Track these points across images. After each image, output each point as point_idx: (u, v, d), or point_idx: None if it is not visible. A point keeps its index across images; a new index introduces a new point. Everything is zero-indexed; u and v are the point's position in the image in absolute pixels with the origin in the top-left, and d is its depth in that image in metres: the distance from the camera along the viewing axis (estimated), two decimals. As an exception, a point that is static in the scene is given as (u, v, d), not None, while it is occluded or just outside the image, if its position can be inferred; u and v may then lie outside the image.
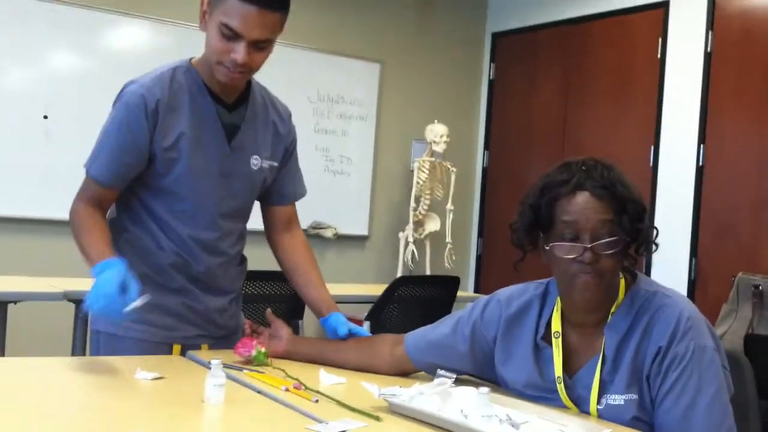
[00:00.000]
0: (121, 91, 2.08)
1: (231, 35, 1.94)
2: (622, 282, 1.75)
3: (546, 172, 1.74)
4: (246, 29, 1.93)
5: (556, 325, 1.78)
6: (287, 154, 2.27)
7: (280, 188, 2.29)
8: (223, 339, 2.21)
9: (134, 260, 2.05)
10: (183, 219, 2.10)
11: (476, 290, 6.39)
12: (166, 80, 2.05)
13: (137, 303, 1.83)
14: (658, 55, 5.35)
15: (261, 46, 1.98)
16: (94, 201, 2.08)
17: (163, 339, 2.13)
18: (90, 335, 2.20)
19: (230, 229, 2.19)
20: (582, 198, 1.67)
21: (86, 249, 2.03)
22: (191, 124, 2.06)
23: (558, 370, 1.75)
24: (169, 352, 2.14)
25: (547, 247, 1.71)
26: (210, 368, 1.63)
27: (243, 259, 2.33)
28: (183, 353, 2.12)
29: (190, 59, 2.14)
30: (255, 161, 2.17)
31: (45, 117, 4.90)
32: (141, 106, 2.01)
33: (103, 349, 2.13)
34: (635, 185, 1.73)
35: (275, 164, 2.22)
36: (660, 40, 5.35)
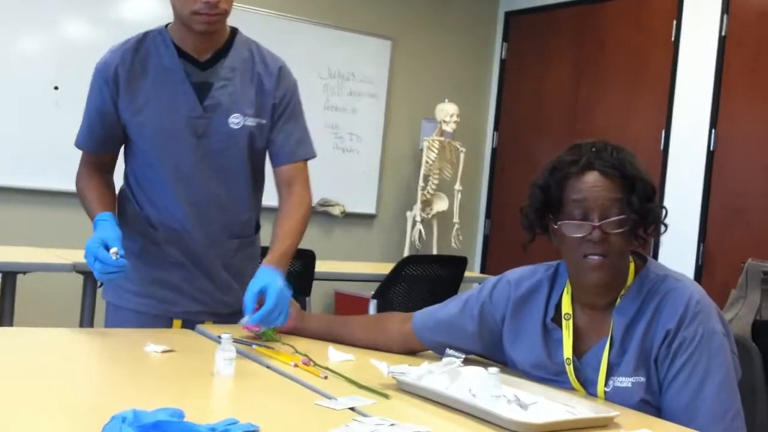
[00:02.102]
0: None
1: None
2: (632, 266, 1.75)
3: (557, 155, 1.75)
4: None
5: (567, 307, 1.78)
6: (278, 110, 2.15)
7: (275, 148, 2.17)
8: (230, 316, 2.16)
9: (134, 234, 2.12)
10: (167, 185, 2.09)
11: (482, 271, 6.40)
12: (131, 46, 2.08)
13: (113, 250, 1.89)
14: (672, 38, 5.32)
15: None
16: (90, 165, 2.18)
17: (163, 312, 2.14)
18: (105, 307, 2.25)
19: (218, 194, 2.12)
20: (591, 177, 1.68)
21: (86, 209, 2.12)
22: (158, 87, 2.06)
23: (567, 351, 1.75)
24: (170, 326, 2.15)
25: (556, 226, 1.71)
26: (220, 342, 1.64)
27: (251, 235, 2.27)
28: (184, 327, 2.14)
29: (166, 24, 2.13)
30: (235, 119, 2.09)
31: (56, 88, 4.90)
32: (103, 74, 2.07)
33: (110, 319, 2.18)
34: (645, 167, 1.73)
35: (263, 121, 2.13)
36: (674, 22, 5.32)
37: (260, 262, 2.06)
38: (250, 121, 2.12)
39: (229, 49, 2.12)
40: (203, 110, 2.07)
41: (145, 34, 2.11)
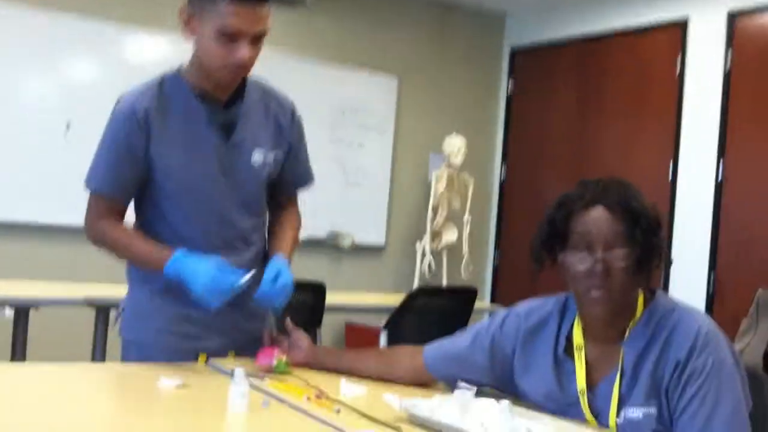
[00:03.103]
0: (115, 105, 2.12)
1: (231, 36, 1.97)
2: (641, 298, 1.76)
3: (566, 191, 1.79)
4: (246, 27, 1.97)
5: (578, 339, 1.79)
6: (293, 145, 2.25)
7: (286, 178, 2.27)
8: (252, 344, 2.15)
9: (157, 274, 2.08)
10: (194, 222, 2.11)
11: (493, 301, 6.40)
12: (154, 89, 2.09)
13: (248, 276, 1.97)
14: (677, 73, 5.36)
15: (258, 41, 2.01)
16: (108, 214, 2.12)
17: (190, 348, 2.14)
18: (121, 344, 2.21)
19: (244, 226, 2.18)
20: (596, 212, 1.72)
21: (142, 256, 2.09)
22: (184, 128, 2.08)
23: (581, 383, 1.76)
24: (195, 360, 2.14)
25: (562, 258, 1.74)
26: (233, 377, 1.65)
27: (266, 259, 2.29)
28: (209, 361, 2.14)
29: (178, 68, 2.16)
30: (258, 155, 2.15)
31: (67, 127, 4.96)
32: (133, 117, 2.04)
33: (135, 357, 2.14)
34: (652, 203, 1.75)
35: (279, 156, 2.21)
36: (679, 57, 5.36)
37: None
38: (270, 156, 2.18)
39: (244, 88, 2.16)
40: (228, 148, 2.12)
41: (162, 78, 2.14)
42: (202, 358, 2.14)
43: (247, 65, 2.03)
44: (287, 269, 2.08)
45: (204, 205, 2.12)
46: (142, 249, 2.09)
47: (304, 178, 2.33)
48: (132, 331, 2.18)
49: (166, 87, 2.11)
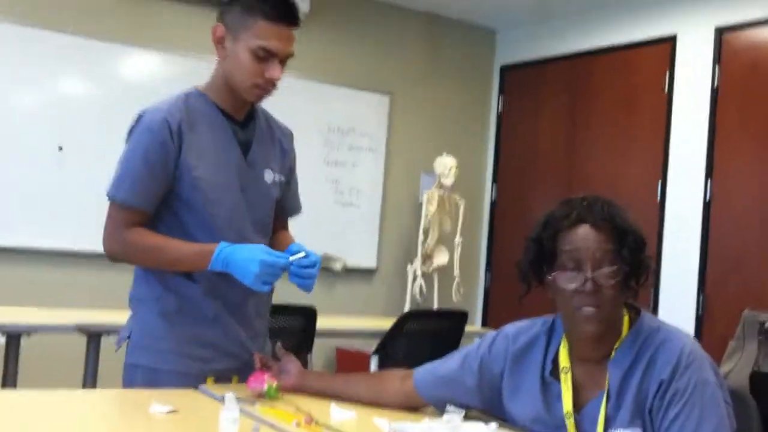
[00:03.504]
0: (137, 120, 2.13)
1: (266, 56, 2.08)
2: (626, 318, 1.78)
3: (550, 210, 1.80)
4: (281, 47, 2.09)
5: (564, 361, 1.81)
6: (291, 172, 2.37)
7: (284, 203, 2.36)
8: (252, 367, 2.17)
9: (169, 295, 2.13)
10: (213, 236, 2.12)
11: (484, 324, 6.40)
12: (181, 104, 2.14)
13: (297, 256, 2.05)
14: (665, 90, 5.41)
15: (285, 63, 2.13)
16: (132, 226, 2.11)
17: (199, 371, 2.15)
18: (124, 369, 2.19)
19: (257, 243, 2.18)
20: (583, 230, 1.74)
21: (183, 255, 2.09)
22: (211, 142, 2.15)
23: (567, 405, 1.78)
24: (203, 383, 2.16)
25: (550, 277, 1.75)
26: (223, 402, 1.66)
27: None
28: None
29: (195, 87, 2.22)
30: (268, 175, 2.25)
31: (60, 149, 4.97)
32: (165, 129, 2.08)
33: (141, 382, 2.13)
34: (635, 220, 1.78)
35: (283, 179, 2.31)
36: (667, 74, 5.41)
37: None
38: (277, 177, 2.28)
39: (255, 111, 2.26)
40: (246, 165, 2.20)
41: (186, 95, 2.18)
42: (210, 381, 2.15)
43: (275, 84, 2.14)
44: (314, 253, 2.12)
45: (224, 222, 2.15)
46: (182, 248, 2.09)
47: (296, 206, 2.43)
48: (139, 356, 2.16)
49: (192, 102, 2.17)
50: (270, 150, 2.27)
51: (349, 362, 5.60)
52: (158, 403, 1.83)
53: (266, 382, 2.01)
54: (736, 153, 5.01)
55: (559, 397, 1.80)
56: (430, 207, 5.94)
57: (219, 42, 2.13)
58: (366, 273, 6.13)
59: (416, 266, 5.99)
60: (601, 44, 5.87)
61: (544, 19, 6.24)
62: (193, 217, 2.13)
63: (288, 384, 2.09)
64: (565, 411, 1.78)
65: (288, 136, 2.36)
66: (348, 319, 4.97)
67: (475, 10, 6.27)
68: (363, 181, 6.10)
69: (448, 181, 5.91)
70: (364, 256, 6.10)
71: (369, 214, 6.12)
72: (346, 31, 6.04)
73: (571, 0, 5.81)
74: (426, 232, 5.97)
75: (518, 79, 6.57)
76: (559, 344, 1.84)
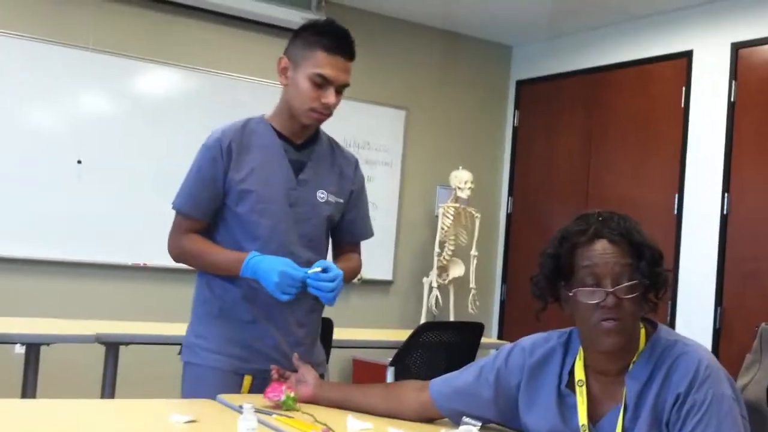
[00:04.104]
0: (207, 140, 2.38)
1: (322, 83, 2.29)
2: (643, 332, 1.79)
3: (564, 225, 1.81)
4: (337, 76, 2.31)
5: (580, 374, 1.82)
6: (354, 195, 2.51)
7: (347, 227, 2.53)
8: (289, 369, 2.25)
9: (212, 299, 2.34)
10: (258, 245, 2.29)
11: (500, 336, 6.40)
12: (239, 126, 2.37)
13: (315, 269, 2.19)
14: (682, 104, 5.41)
15: (341, 91, 2.34)
16: (187, 232, 2.36)
17: (237, 369, 2.32)
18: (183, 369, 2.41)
19: (303, 257, 2.34)
20: (600, 245, 1.74)
21: (220, 261, 2.31)
22: (261, 160, 2.35)
23: (582, 418, 1.78)
24: (241, 382, 2.31)
25: (571, 293, 1.76)
26: (242, 412, 1.68)
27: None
28: (254, 386, 2.29)
29: (262, 115, 2.43)
30: (321, 194, 2.41)
31: (78, 162, 5.02)
32: (217, 146, 2.31)
33: (187, 377, 2.37)
34: (649, 234, 1.79)
35: (341, 201, 2.46)
36: (684, 89, 5.41)
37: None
38: (332, 198, 2.43)
39: (317, 137, 2.46)
40: (297, 183, 2.37)
41: (248, 119, 2.40)
42: (247, 380, 2.31)
43: (331, 109, 2.34)
44: (337, 268, 2.26)
45: (268, 231, 2.32)
46: (220, 254, 2.31)
47: (363, 230, 2.60)
48: (189, 354, 2.38)
49: (251, 124, 2.38)
50: (327, 172, 2.44)
51: (365, 373, 5.61)
52: (177, 413, 1.85)
53: (284, 392, 2.03)
54: (753, 167, 5.00)
55: (575, 409, 1.80)
56: (446, 220, 5.95)
57: (283, 72, 2.35)
58: (382, 285, 6.14)
59: (432, 278, 6.00)
60: (616, 60, 5.88)
61: (560, 34, 6.26)
62: (240, 227, 2.33)
63: (305, 394, 2.10)
64: (580, 423, 1.79)
65: (351, 162, 2.53)
66: (364, 331, 4.98)
67: (490, 26, 6.29)
68: (379, 194, 6.12)
69: (464, 194, 5.93)
70: (381, 269, 6.12)
71: (385, 228, 6.14)
72: (362, 47, 5.95)
73: (585, 16, 5.82)
74: (442, 245, 5.98)
75: (533, 94, 6.59)
76: (576, 357, 1.84)
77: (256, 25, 5.48)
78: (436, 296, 5.97)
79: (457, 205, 5.98)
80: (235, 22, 5.41)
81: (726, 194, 5.10)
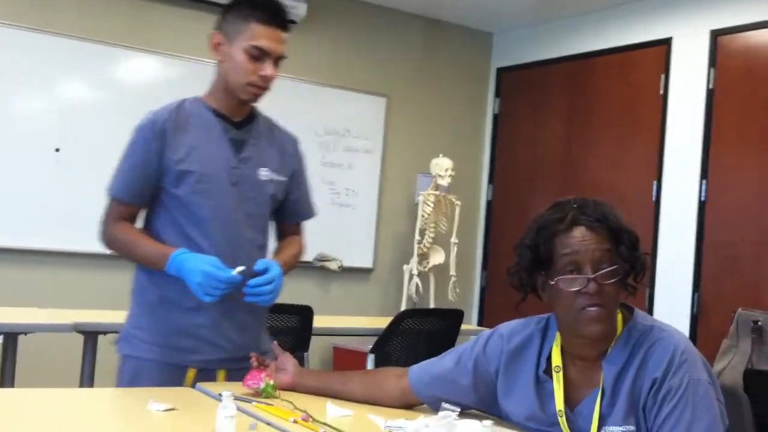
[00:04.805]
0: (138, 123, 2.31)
1: (259, 55, 2.24)
2: (620, 317, 1.80)
3: (539, 214, 1.81)
4: (273, 47, 2.26)
5: (557, 360, 1.83)
6: (297, 174, 2.47)
7: (291, 207, 2.48)
8: (245, 361, 2.21)
9: (151, 287, 2.26)
10: (201, 228, 2.25)
11: (480, 323, 6.42)
12: (173, 107, 2.31)
13: (238, 270, 2.12)
14: (661, 91, 5.43)
15: (278, 63, 2.28)
16: (121, 218, 2.30)
17: (180, 361, 2.25)
18: (118, 362, 2.32)
19: (248, 237, 2.32)
20: (579, 232, 1.75)
21: (148, 254, 2.25)
22: (200, 140, 2.29)
23: (559, 403, 1.80)
24: (184, 375, 2.23)
25: (552, 282, 1.76)
26: (221, 400, 1.67)
27: None
28: (198, 377, 2.22)
29: (196, 96, 2.37)
30: (264, 172, 2.35)
31: (57, 150, 4.98)
32: (150, 128, 2.26)
33: (128, 372, 2.27)
34: (625, 217, 1.80)
35: (283, 179, 2.40)
36: (663, 76, 5.43)
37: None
38: (274, 176, 2.38)
39: (255, 115, 2.40)
40: (238, 161, 2.32)
41: (183, 100, 2.34)
42: (191, 372, 2.23)
43: (269, 82, 2.28)
44: (277, 267, 2.23)
45: (211, 212, 2.26)
46: (148, 247, 2.25)
47: (307, 210, 2.55)
48: (127, 347, 2.30)
49: (186, 105, 2.33)
50: (268, 150, 2.38)
51: (346, 361, 5.61)
52: (156, 401, 1.85)
53: (263, 380, 2.02)
54: (731, 154, 5.04)
55: (552, 395, 1.81)
56: (426, 208, 5.96)
57: (216, 48, 2.30)
58: (363, 272, 6.14)
59: (413, 266, 6.01)
60: (596, 47, 5.88)
61: (540, 21, 6.25)
62: (182, 210, 2.27)
63: (284, 382, 2.10)
64: (557, 409, 1.80)
65: (292, 141, 2.48)
66: (345, 318, 4.98)
67: (471, 13, 6.28)
68: (359, 182, 6.12)
69: (445, 182, 5.93)
70: (361, 257, 6.11)
71: (365, 215, 6.14)
72: (342, 34, 6.05)
73: (565, 3, 5.82)
74: (422, 233, 5.99)
75: (514, 81, 6.59)
76: (553, 343, 1.85)
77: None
78: (417, 284, 5.98)
79: (438, 192, 5.98)
80: (218, 10, 5.34)
81: (704, 181, 5.13)
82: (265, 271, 2.21)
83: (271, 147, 2.40)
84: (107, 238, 2.31)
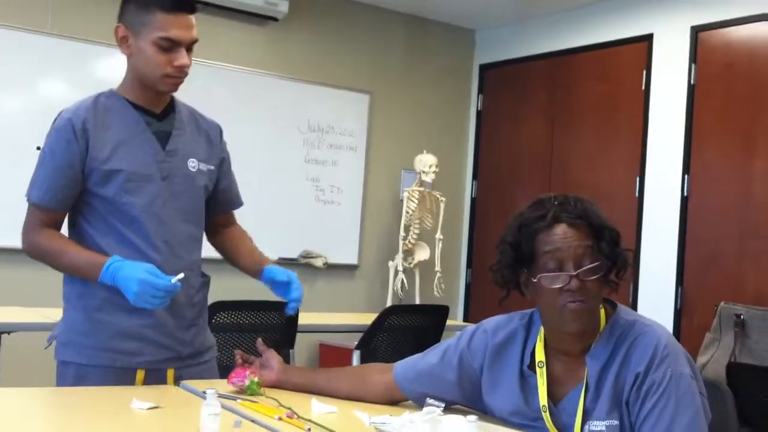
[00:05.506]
0: (52, 123, 2.19)
1: (170, 46, 2.12)
2: (603, 312, 1.81)
3: (520, 212, 1.82)
4: (184, 35, 2.14)
5: (540, 355, 1.83)
6: (224, 163, 2.39)
7: (222, 197, 2.41)
8: (192, 358, 2.20)
9: (90, 291, 2.13)
10: (135, 228, 2.15)
11: (465, 319, 6.44)
12: (89, 104, 2.19)
13: (178, 278, 2.02)
14: (643, 87, 5.45)
15: (191, 49, 2.18)
16: (46, 225, 2.17)
17: (126, 364, 2.15)
18: (57, 368, 2.21)
19: (184, 232, 2.24)
20: (560, 229, 1.75)
21: (78, 264, 2.12)
22: (124, 136, 2.18)
23: (543, 398, 1.80)
24: (133, 377, 2.16)
25: (535, 279, 1.77)
26: (205, 398, 1.67)
27: (204, 273, 2.35)
28: (147, 378, 2.16)
29: (110, 89, 2.27)
30: (192, 163, 2.26)
31: (38, 148, 4.92)
32: (69, 128, 2.12)
33: (72, 379, 2.15)
34: (606, 214, 1.80)
35: (212, 168, 2.33)
36: (644, 72, 5.46)
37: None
38: (203, 166, 2.29)
39: (174, 105, 2.30)
40: (166, 154, 2.22)
41: (97, 95, 2.24)
42: (140, 374, 2.16)
43: (186, 71, 2.17)
44: (293, 273, 2.26)
45: (142, 210, 2.16)
46: (77, 257, 2.12)
47: (236, 199, 2.48)
48: (66, 353, 2.19)
49: (103, 100, 2.21)
50: (194, 140, 2.30)
51: (332, 357, 5.61)
52: (139, 399, 1.84)
53: (248, 377, 2.02)
54: (713, 149, 5.07)
55: (536, 390, 1.82)
56: (410, 204, 5.96)
57: (123, 42, 2.18)
58: (348, 269, 6.14)
59: (398, 262, 6.02)
60: (578, 43, 5.91)
61: (523, 18, 6.27)
62: (112, 211, 2.16)
63: (269, 379, 2.10)
64: (541, 404, 1.80)
65: (216, 129, 2.39)
66: (330, 315, 4.98)
67: (454, 10, 6.29)
68: (344, 179, 6.11)
69: (429, 178, 5.94)
70: (346, 253, 6.11)
71: (350, 212, 6.14)
72: (325, 31, 6.04)
73: (548, 0, 5.84)
74: (407, 229, 5.99)
75: (497, 77, 6.60)
76: (537, 338, 1.86)
77: (221, 11, 5.41)
78: (402, 280, 5.99)
79: (422, 189, 5.98)
80: (199, 7, 5.33)
81: (686, 176, 5.15)
82: (288, 283, 2.24)
83: (197, 136, 2.31)
84: (30, 248, 2.18)
